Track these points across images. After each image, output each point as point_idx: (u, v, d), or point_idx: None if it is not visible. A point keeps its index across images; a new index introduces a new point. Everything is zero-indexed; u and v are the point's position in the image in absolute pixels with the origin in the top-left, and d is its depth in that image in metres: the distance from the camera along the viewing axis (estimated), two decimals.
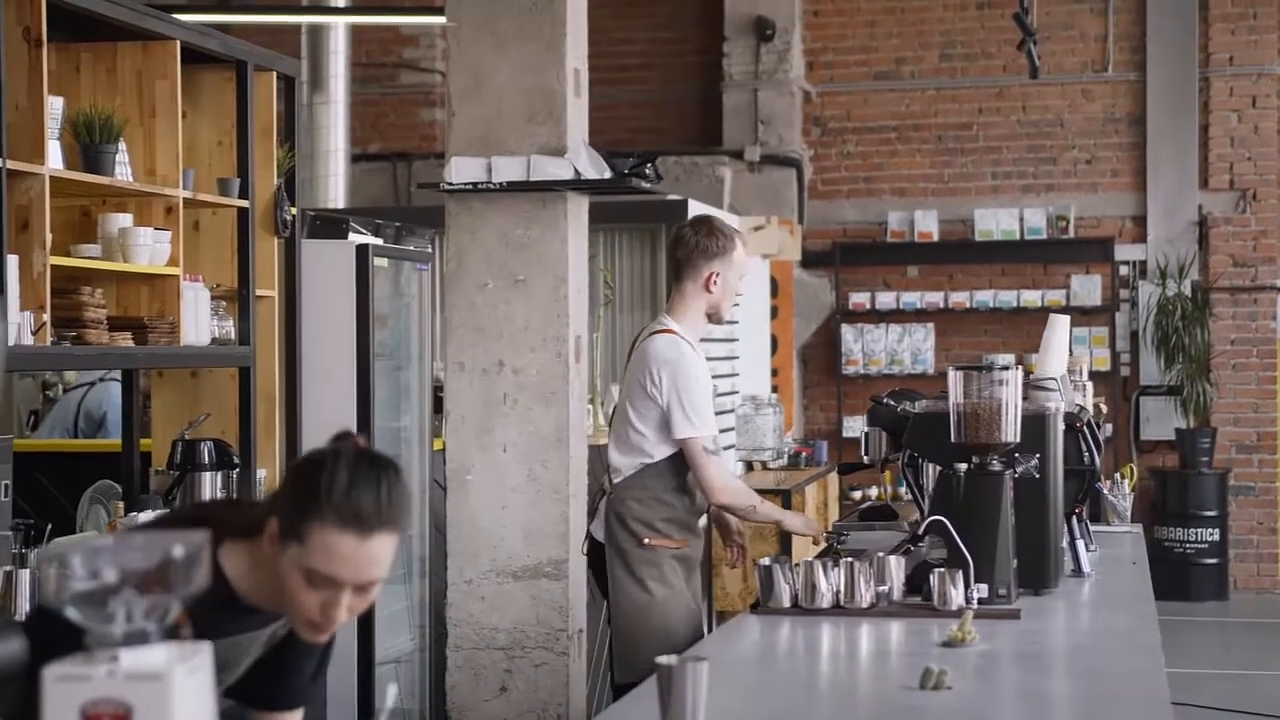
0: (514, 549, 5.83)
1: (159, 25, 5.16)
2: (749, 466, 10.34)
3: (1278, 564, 12.81)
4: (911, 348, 12.96)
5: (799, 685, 3.63)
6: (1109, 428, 12.63)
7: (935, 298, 12.93)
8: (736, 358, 10.41)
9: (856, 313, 13.07)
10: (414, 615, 6.88)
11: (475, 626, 5.89)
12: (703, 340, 5.31)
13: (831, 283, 13.15)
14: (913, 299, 12.98)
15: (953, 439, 4.46)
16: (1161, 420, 12.70)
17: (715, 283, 5.16)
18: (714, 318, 5.25)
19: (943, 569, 4.27)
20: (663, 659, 2.76)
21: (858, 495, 12.23)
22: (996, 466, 4.44)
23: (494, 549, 5.84)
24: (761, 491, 9.06)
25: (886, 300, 13.01)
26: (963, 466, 4.43)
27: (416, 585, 6.90)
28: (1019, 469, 4.52)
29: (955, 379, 4.47)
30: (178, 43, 5.22)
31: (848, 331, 13.05)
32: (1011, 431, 4.43)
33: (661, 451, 5.09)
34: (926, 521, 4.44)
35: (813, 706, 3.38)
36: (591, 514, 5.37)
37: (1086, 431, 5.13)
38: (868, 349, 13.03)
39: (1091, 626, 4.46)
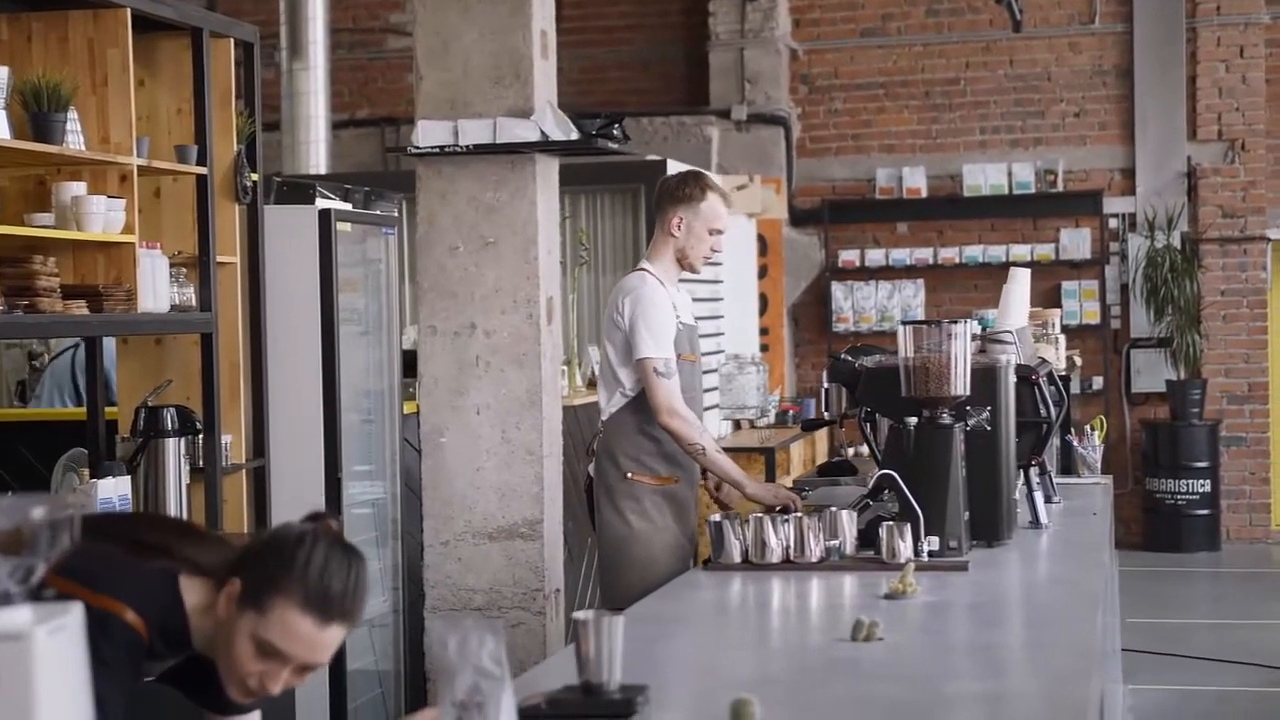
0: (489, 510, 5.84)
1: None
2: (736, 425, 10.37)
3: (1270, 514, 12.83)
4: (902, 304, 12.96)
5: (731, 639, 3.66)
6: (1098, 380, 12.65)
7: (925, 254, 12.93)
8: (721, 317, 10.42)
9: (846, 270, 13.07)
10: (388, 577, 6.92)
11: (452, 588, 5.90)
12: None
13: (821, 240, 13.15)
14: (902, 255, 12.97)
15: (903, 393, 4.48)
16: (1152, 372, 12.70)
17: (680, 227, 5.41)
18: (683, 263, 5.45)
19: (892, 522, 4.29)
20: (579, 614, 2.78)
21: (850, 452, 12.24)
22: (946, 420, 4.47)
23: (469, 510, 5.85)
24: (746, 450, 9.16)
25: (876, 257, 13.01)
26: (913, 420, 4.45)
27: (391, 548, 6.94)
28: (970, 422, 4.54)
29: (904, 333, 4.49)
30: (128, 10, 5.22)
31: (838, 289, 13.06)
32: (961, 385, 4.45)
33: (632, 381, 5.32)
34: (876, 475, 4.46)
35: (738, 658, 3.41)
36: (590, 454, 5.57)
37: (1044, 384, 5.13)
38: (858, 306, 13.03)
39: (1037, 577, 4.49)
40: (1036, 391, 5.09)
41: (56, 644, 1.74)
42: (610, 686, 2.77)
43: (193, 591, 2.73)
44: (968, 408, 4.54)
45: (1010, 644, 3.56)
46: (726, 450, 5.44)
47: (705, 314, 9.87)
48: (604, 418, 5.43)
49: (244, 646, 2.65)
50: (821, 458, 10.90)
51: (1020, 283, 5.63)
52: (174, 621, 2.71)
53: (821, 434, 10.91)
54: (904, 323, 4.54)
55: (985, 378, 4.60)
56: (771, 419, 10.53)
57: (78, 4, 5.17)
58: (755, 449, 9.23)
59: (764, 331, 12.41)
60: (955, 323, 4.49)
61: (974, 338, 4.95)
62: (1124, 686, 7.47)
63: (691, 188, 5.44)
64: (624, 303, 5.31)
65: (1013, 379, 4.78)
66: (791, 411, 10.86)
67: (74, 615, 1.80)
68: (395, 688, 6.92)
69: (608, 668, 2.76)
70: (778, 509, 5.09)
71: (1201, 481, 12.37)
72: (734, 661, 3.37)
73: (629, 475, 5.34)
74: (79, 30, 5.19)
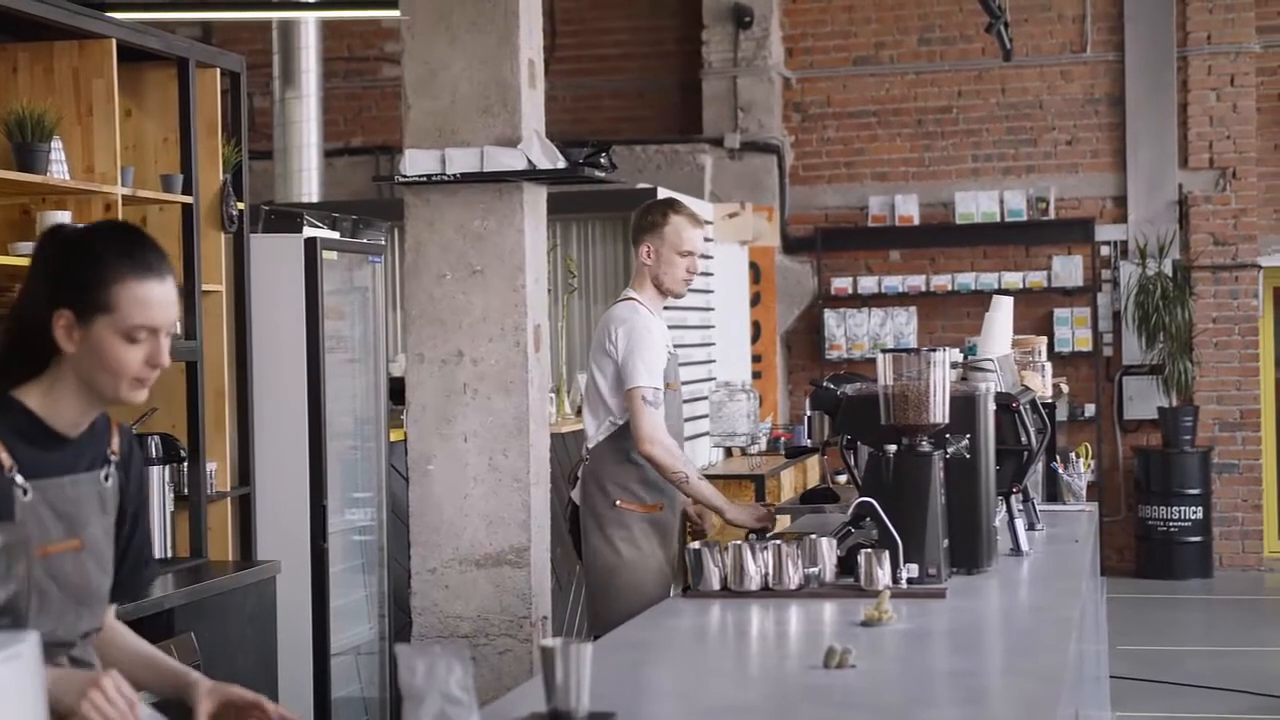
0: (476, 537, 5.85)
1: (94, 24, 5.19)
2: (727, 452, 10.38)
3: (1262, 541, 12.83)
4: (894, 331, 12.99)
5: (705, 666, 3.66)
6: (1090, 407, 12.67)
7: (917, 281, 12.96)
8: (713, 344, 10.44)
9: (839, 297, 13.10)
10: (375, 605, 6.93)
11: (439, 615, 5.90)
12: (676, 327, 5.61)
13: (813, 268, 13.18)
14: (894, 283, 13.00)
15: (883, 421, 4.49)
16: (1144, 399, 12.72)
17: (650, 255, 5.54)
18: (661, 289, 5.55)
19: (870, 550, 4.30)
20: (545, 641, 2.80)
21: (843, 479, 12.23)
22: (926, 447, 4.48)
23: (456, 538, 5.86)
24: (736, 477, 9.17)
25: (869, 285, 13.03)
26: (892, 448, 4.46)
27: (377, 575, 6.95)
28: (949, 450, 4.55)
29: (884, 361, 4.50)
30: (113, 41, 5.26)
31: (830, 316, 13.08)
32: (940, 413, 4.46)
33: (621, 409, 5.41)
34: (855, 503, 4.48)
35: (711, 685, 3.41)
36: (572, 481, 5.65)
37: (1025, 411, 5.15)
38: (851, 333, 13.05)
39: (1014, 604, 4.49)
40: (1018, 419, 5.11)
41: (10, 672, 1.76)
42: (578, 714, 2.78)
43: (29, 393, 2.80)
44: (947, 435, 4.55)
45: (982, 671, 3.57)
46: (717, 477, 5.49)
47: (696, 341, 9.90)
48: (590, 445, 5.51)
49: (115, 348, 2.74)
50: (813, 485, 10.90)
51: (1003, 310, 5.65)
52: (29, 423, 2.77)
53: (814, 461, 10.91)
54: (883, 351, 4.56)
55: (965, 405, 4.62)
56: (763, 446, 10.54)
57: (63, 35, 5.21)
58: (745, 476, 9.25)
59: (757, 359, 12.43)
60: (934, 350, 4.50)
61: (954, 365, 4.97)
62: (1113, 714, 7.47)
63: (655, 215, 5.56)
64: (618, 333, 5.39)
65: (992, 407, 4.79)
66: (784, 439, 10.86)
67: (29, 644, 1.81)
68: (381, 716, 6.93)
69: (575, 695, 2.77)
70: (759, 530, 5.16)
71: (1194, 508, 12.38)
72: (707, 689, 3.38)
73: (617, 503, 5.42)
74: (64, 60, 5.23)
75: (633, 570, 5.35)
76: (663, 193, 9.64)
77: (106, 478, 2.90)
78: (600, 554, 5.41)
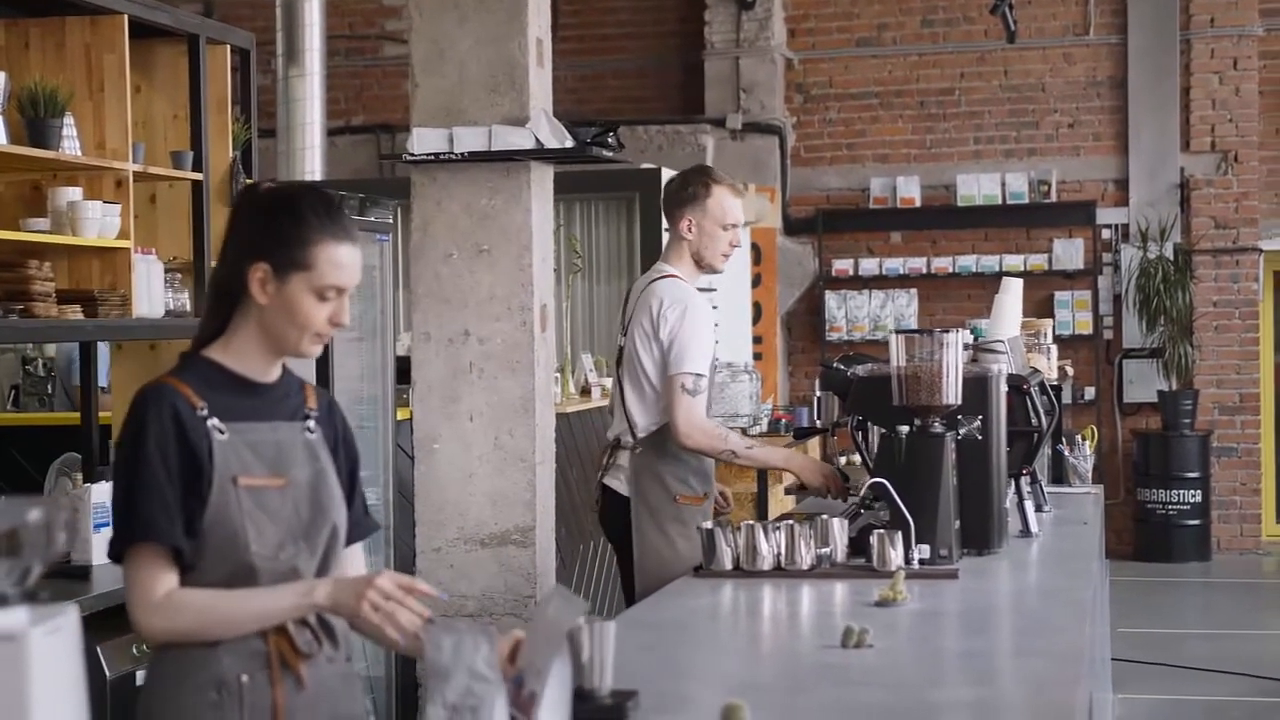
0: (481, 517, 5.84)
1: (106, 0, 5.19)
2: None
3: (1260, 525, 12.86)
4: (895, 313, 13.00)
5: (722, 645, 3.68)
6: (1091, 390, 12.68)
7: (918, 263, 12.97)
8: (715, 325, 10.43)
9: (840, 279, 13.11)
10: None
11: (444, 594, 5.90)
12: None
13: (815, 249, 13.18)
14: (895, 265, 13.01)
15: (895, 402, 4.50)
16: (1144, 382, 12.74)
17: (690, 229, 5.31)
18: (701, 264, 5.37)
19: (883, 530, 4.31)
20: None
21: (844, 460, 12.24)
22: (938, 428, 4.48)
23: (461, 517, 5.85)
24: None
25: (870, 266, 13.04)
26: (904, 429, 4.47)
27: (383, 554, 6.95)
28: (961, 431, 4.56)
29: (897, 342, 4.50)
30: (125, 16, 5.25)
31: (831, 298, 13.08)
32: (952, 394, 4.47)
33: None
34: (867, 483, 4.48)
35: (729, 664, 3.43)
36: (602, 466, 5.49)
37: (1035, 393, 5.15)
38: (851, 315, 13.07)
39: (1026, 585, 4.51)
40: (1028, 401, 5.11)
41: (52, 645, 1.76)
42: (601, 692, 2.79)
43: (219, 350, 2.95)
44: (959, 417, 4.56)
45: (998, 651, 3.58)
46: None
47: None
48: (640, 434, 5.28)
49: (307, 304, 2.89)
50: None
51: (1012, 293, 5.66)
52: (218, 374, 2.93)
53: (815, 442, 10.92)
54: (896, 332, 4.55)
55: (977, 387, 4.62)
56: (764, 427, 10.54)
57: (75, 10, 5.20)
58: None
59: (757, 340, 12.43)
60: (947, 332, 4.50)
61: (966, 347, 4.97)
62: (1114, 695, 7.49)
63: (695, 186, 5.33)
64: (669, 313, 5.18)
65: (1004, 388, 4.79)
66: (785, 420, 10.87)
67: (69, 617, 1.81)
68: (386, 693, 6.94)
69: (599, 673, 2.78)
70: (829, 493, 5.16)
71: (1193, 492, 12.40)
72: (725, 667, 3.39)
73: (677, 498, 5.24)
74: (76, 36, 5.22)
75: (685, 562, 5.18)
76: (668, 173, 9.64)
77: (309, 430, 3.01)
78: (656, 549, 5.25)
